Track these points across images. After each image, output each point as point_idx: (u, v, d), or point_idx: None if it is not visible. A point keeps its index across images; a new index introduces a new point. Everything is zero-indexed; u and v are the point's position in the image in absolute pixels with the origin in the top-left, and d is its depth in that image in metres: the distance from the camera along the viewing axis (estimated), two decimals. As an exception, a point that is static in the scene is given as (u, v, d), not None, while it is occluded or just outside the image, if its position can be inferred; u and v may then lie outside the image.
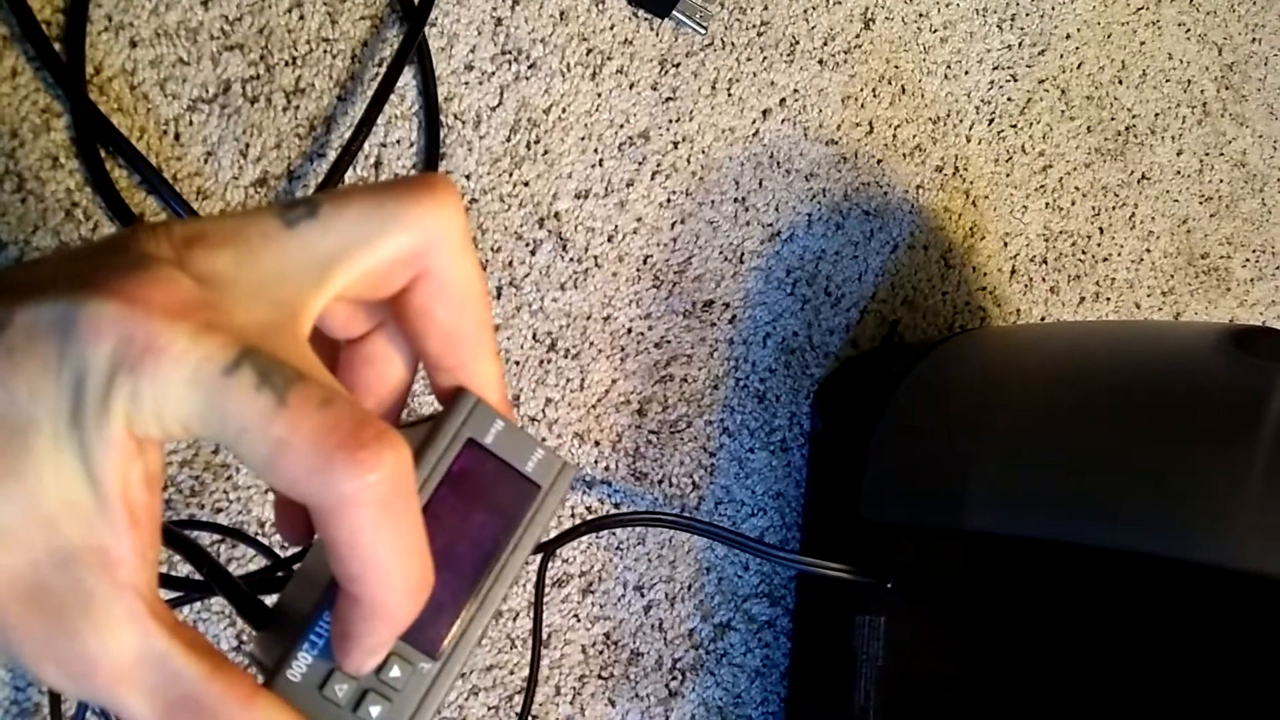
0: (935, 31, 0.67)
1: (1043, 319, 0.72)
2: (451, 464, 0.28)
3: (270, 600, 0.29)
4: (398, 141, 0.52)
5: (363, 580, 0.23)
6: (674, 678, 0.57)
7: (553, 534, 0.50)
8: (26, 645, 0.23)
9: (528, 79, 0.55)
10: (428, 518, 0.25)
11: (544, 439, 0.55)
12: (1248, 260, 0.80)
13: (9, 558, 0.22)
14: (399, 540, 0.23)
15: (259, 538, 0.47)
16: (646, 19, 0.58)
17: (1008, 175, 0.70)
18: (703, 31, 0.59)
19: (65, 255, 0.24)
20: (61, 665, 0.23)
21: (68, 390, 0.22)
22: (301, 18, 0.50)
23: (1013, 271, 0.70)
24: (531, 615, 0.52)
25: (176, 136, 0.48)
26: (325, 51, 0.51)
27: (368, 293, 0.26)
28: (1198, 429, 0.47)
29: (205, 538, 0.46)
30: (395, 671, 0.27)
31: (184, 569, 0.45)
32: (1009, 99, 0.70)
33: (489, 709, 0.53)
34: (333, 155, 0.51)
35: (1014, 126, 0.70)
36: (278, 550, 0.46)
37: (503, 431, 0.29)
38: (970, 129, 0.69)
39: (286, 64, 0.50)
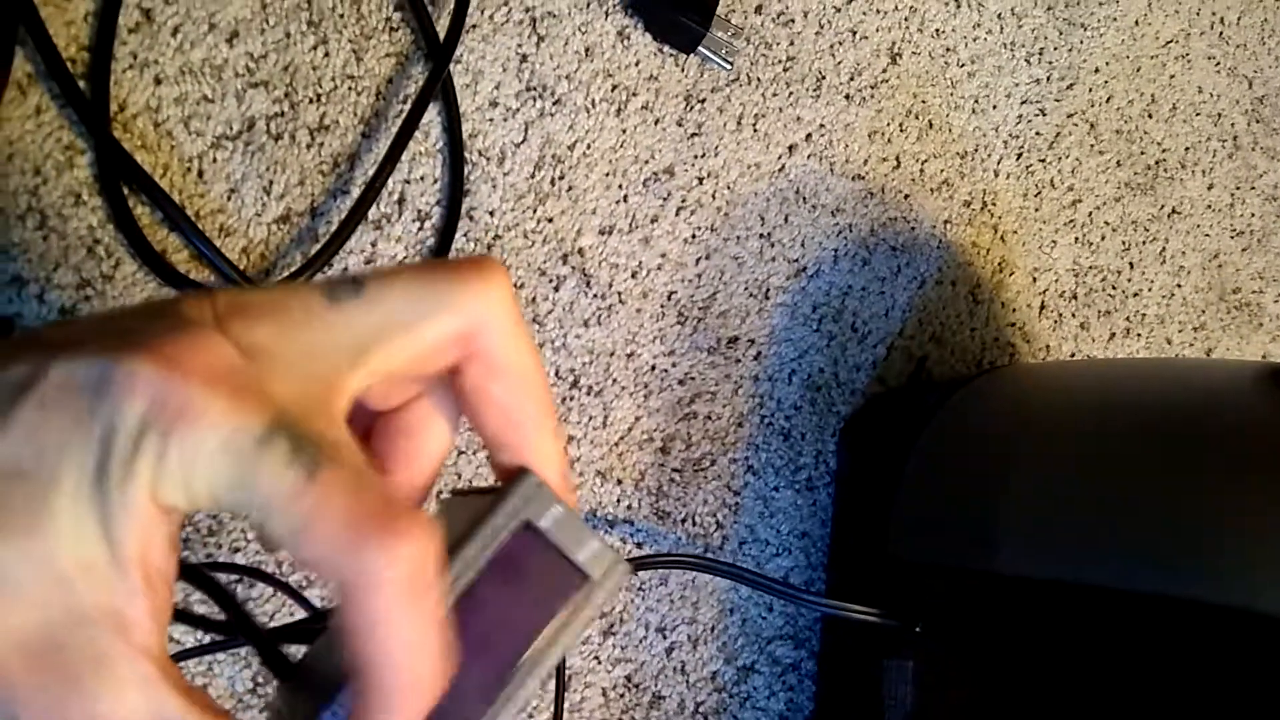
0: (962, 66, 0.67)
1: (1073, 355, 0.71)
2: (504, 544, 0.27)
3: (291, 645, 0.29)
4: (421, 178, 0.52)
5: (379, 666, 0.23)
6: (697, 721, 0.57)
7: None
8: (32, 709, 0.22)
9: (552, 115, 0.55)
10: (472, 597, 0.24)
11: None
12: (1281, 296, 0.79)
13: (21, 616, 0.21)
14: (418, 628, 0.23)
15: (277, 576, 0.47)
16: (672, 55, 0.58)
17: (1036, 210, 0.69)
18: (728, 67, 0.58)
19: (104, 315, 0.24)
20: None
21: (94, 447, 0.21)
22: (326, 55, 0.50)
23: (1042, 307, 0.69)
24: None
25: (200, 173, 0.48)
26: (350, 88, 0.50)
27: (412, 371, 0.26)
28: (1238, 470, 0.46)
29: (222, 578, 0.45)
30: None
31: (202, 608, 0.44)
32: (1037, 133, 0.69)
33: (509, 753, 0.52)
34: (356, 192, 0.50)
35: (1043, 161, 0.70)
36: (295, 585, 0.46)
37: (560, 517, 0.28)
38: (998, 163, 0.68)
39: (311, 101, 0.50)
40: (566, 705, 0.53)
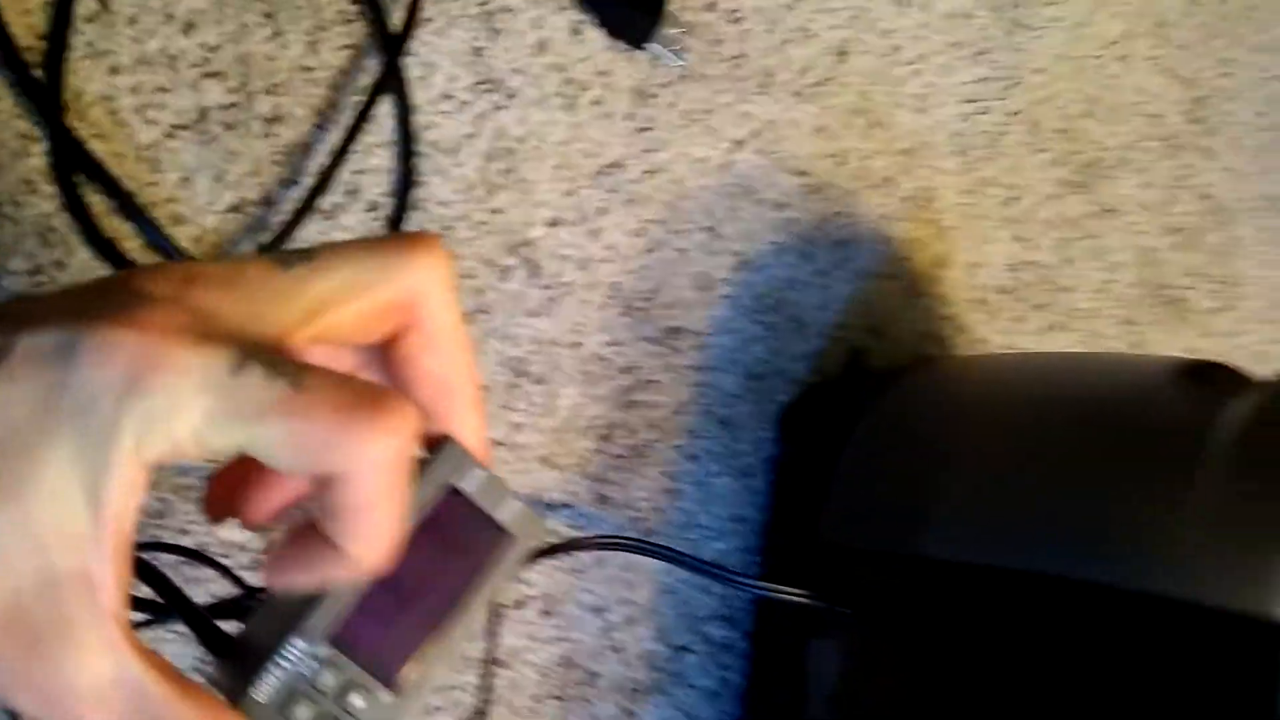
0: (909, 64, 0.68)
1: (1008, 348, 0.73)
2: (432, 507, 0.30)
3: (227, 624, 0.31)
4: (374, 169, 0.53)
5: (362, 539, 0.25)
6: (630, 699, 0.59)
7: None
8: (1, 672, 0.23)
9: (505, 108, 0.56)
10: (404, 555, 0.27)
11: (509, 463, 0.56)
12: (1211, 291, 0.82)
13: None
14: (401, 503, 0.25)
15: (222, 559, 0.48)
16: (624, 50, 0.59)
17: (976, 206, 0.71)
18: (679, 63, 0.59)
19: (64, 291, 0.25)
20: (36, 692, 0.23)
21: (72, 415, 0.22)
22: (282, 46, 0.51)
23: (979, 301, 0.72)
24: (487, 636, 0.54)
25: (154, 162, 0.48)
26: (304, 80, 0.51)
27: (356, 337, 0.28)
28: (1148, 459, 0.48)
29: (168, 559, 0.47)
30: (358, 701, 0.28)
31: (146, 590, 0.46)
32: (980, 131, 0.71)
33: (449, 726, 0.54)
34: (309, 182, 0.51)
35: (984, 159, 0.71)
36: (240, 573, 0.47)
37: (483, 480, 0.30)
38: (941, 161, 0.70)
39: (265, 92, 0.50)
40: (504, 682, 0.55)
